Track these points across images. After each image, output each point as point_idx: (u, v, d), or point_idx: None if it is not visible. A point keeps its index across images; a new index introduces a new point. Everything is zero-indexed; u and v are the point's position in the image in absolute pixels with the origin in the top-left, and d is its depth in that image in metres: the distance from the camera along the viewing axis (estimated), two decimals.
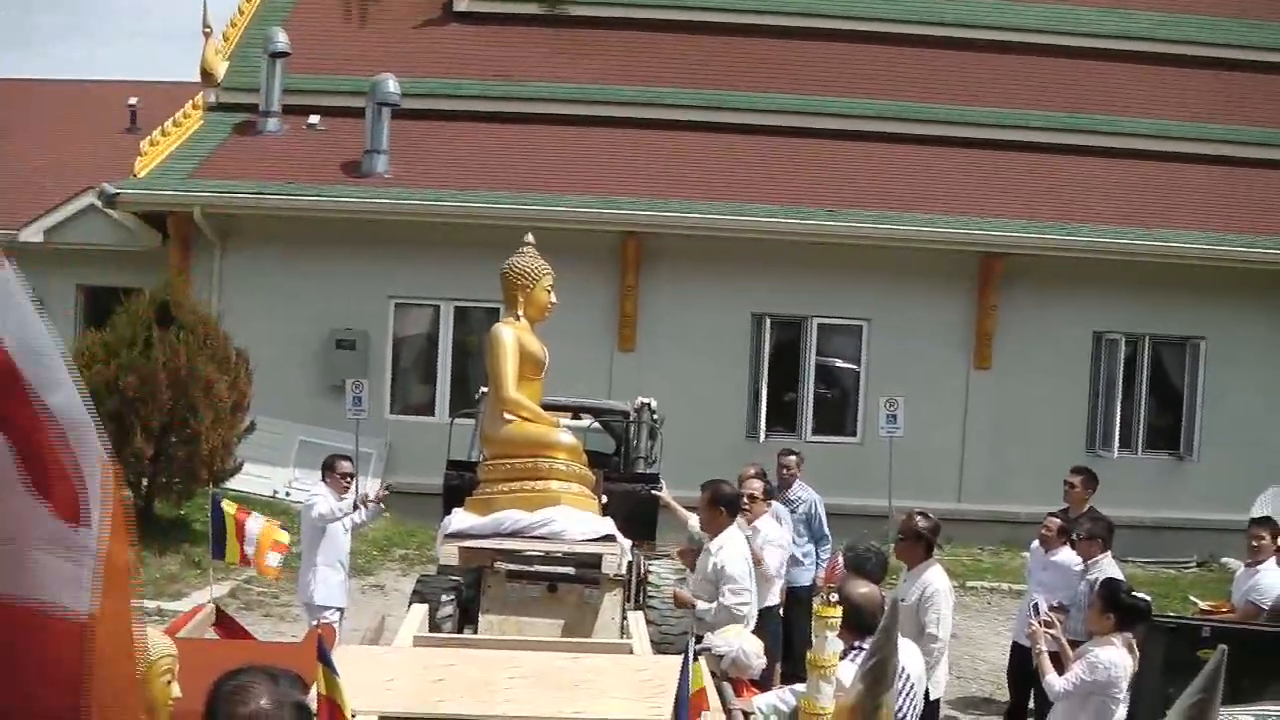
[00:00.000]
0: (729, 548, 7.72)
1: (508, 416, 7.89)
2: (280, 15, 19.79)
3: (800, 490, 10.77)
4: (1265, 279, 17.61)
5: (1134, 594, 6.89)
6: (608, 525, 7.78)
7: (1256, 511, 11.38)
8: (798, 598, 9.92)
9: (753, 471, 9.81)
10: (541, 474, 7.78)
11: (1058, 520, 9.55)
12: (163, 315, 13.81)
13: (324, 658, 3.77)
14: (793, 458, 10.92)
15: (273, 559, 9.00)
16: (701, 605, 7.83)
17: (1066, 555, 9.25)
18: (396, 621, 7.76)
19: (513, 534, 7.50)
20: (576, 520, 7.59)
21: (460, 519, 7.73)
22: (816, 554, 10.55)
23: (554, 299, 8.21)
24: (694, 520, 8.56)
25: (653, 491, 9.85)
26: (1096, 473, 10.56)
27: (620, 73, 19.20)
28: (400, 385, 17.70)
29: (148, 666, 3.59)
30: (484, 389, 8.59)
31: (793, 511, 10.36)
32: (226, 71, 18.90)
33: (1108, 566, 8.64)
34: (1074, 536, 9.13)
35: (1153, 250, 17.36)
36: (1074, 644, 7.14)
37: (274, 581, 10.84)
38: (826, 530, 10.73)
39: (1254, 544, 9.27)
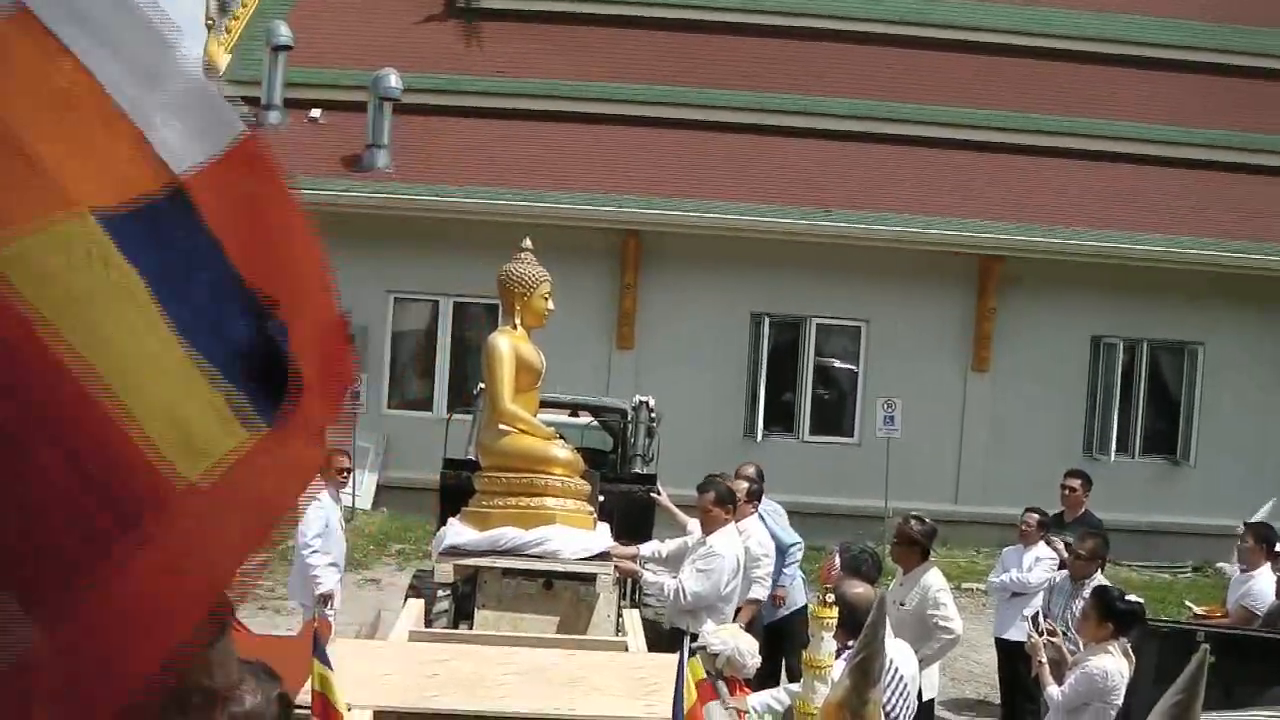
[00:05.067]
0: (724, 543, 7.77)
1: (504, 428, 7.84)
2: (283, 8, 19.77)
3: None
4: (1263, 285, 17.63)
5: (1126, 598, 6.92)
6: (603, 541, 7.75)
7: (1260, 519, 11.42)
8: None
9: (751, 470, 9.76)
10: (537, 490, 7.72)
11: (1036, 515, 9.57)
12: None
13: (319, 652, 3.78)
14: (751, 471, 9.79)
15: None
16: (649, 576, 7.89)
17: (1040, 550, 9.31)
18: (392, 616, 7.78)
19: (507, 551, 7.49)
20: (571, 539, 7.58)
21: (456, 532, 7.67)
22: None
23: (552, 306, 8.11)
24: (693, 524, 8.54)
25: (650, 494, 9.83)
26: (1093, 476, 10.57)
27: (621, 71, 19.18)
28: (398, 380, 17.69)
29: None
30: (481, 385, 8.57)
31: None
32: (229, 64, 18.88)
33: (1097, 576, 8.66)
34: (1077, 554, 9.10)
35: (1151, 255, 17.38)
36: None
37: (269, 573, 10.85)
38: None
39: (1239, 546, 9.33)
